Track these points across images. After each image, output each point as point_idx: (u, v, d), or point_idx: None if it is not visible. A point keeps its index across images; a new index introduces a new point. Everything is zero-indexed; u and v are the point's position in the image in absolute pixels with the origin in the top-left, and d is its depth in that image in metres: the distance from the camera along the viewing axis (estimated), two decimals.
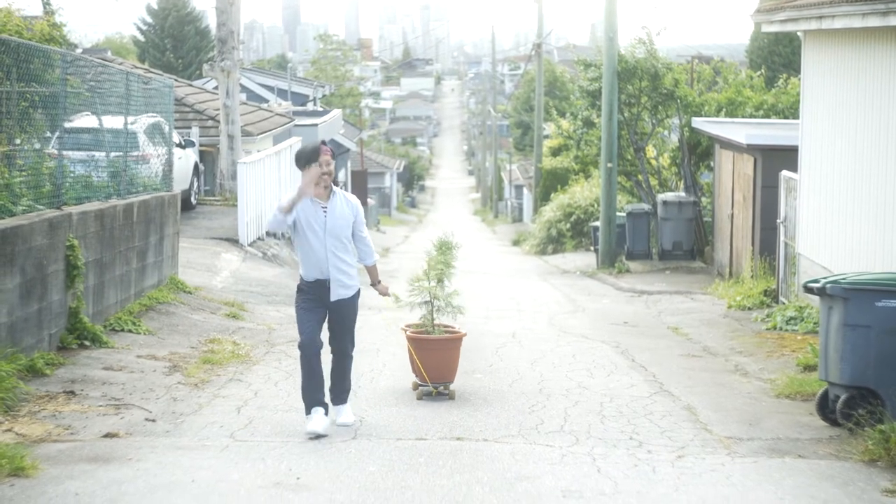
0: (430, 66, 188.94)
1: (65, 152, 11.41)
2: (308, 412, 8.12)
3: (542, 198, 39.03)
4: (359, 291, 8.39)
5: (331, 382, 8.41)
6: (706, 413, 9.20)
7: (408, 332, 9.66)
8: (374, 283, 8.74)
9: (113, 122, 13.29)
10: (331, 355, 8.37)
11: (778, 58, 50.43)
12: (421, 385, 9.54)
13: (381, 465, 7.29)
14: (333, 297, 8.17)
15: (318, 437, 7.93)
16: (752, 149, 17.90)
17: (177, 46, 63.33)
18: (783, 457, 7.84)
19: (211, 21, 65.41)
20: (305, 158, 8.06)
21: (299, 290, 8.29)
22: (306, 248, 8.17)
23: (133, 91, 13.74)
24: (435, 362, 9.47)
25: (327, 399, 8.28)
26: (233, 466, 7.15)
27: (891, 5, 10.61)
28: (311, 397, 8.11)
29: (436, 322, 9.65)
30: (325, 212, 8.14)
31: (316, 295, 8.17)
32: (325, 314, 8.24)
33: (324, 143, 8.19)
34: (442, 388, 9.55)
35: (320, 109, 40.68)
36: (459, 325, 9.88)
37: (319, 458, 7.43)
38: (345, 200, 8.27)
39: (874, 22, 11.13)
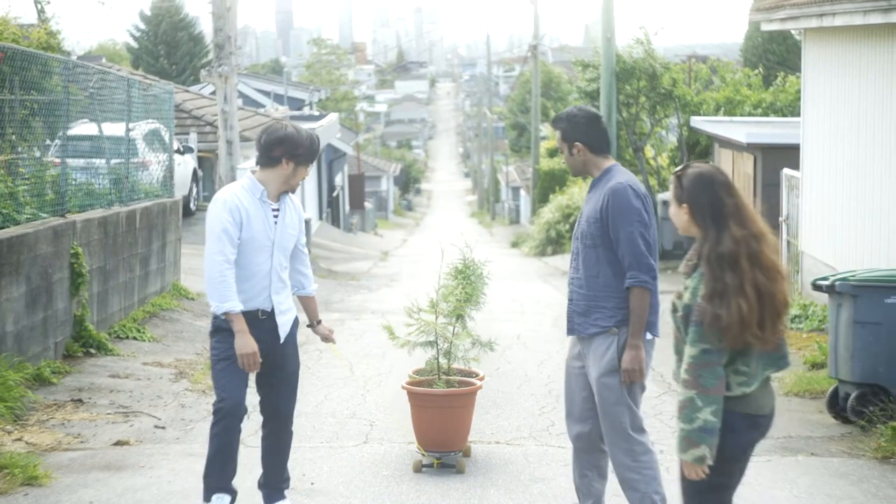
0: (424, 68, 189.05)
1: (67, 160, 11.39)
2: (208, 499, 5.97)
3: (541, 199, 39.05)
4: (297, 320, 6.20)
5: (264, 467, 6.23)
6: None
7: (404, 383, 7.48)
8: (315, 322, 6.40)
9: (112, 128, 13.27)
10: (262, 428, 6.21)
11: (772, 56, 50.52)
12: (418, 454, 7.33)
13: (394, 469, 7.26)
14: (283, 334, 6.00)
15: None
16: (752, 147, 17.91)
17: (170, 52, 63.22)
18: (796, 455, 7.83)
19: (204, 27, 65.37)
20: (307, 153, 5.89)
21: (217, 331, 5.92)
22: (245, 267, 5.90)
23: (134, 98, 13.72)
24: (436, 424, 7.22)
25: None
26: (246, 473, 7.09)
27: (893, 2, 10.61)
28: (219, 478, 5.98)
29: (453, 366, 7.52)
30: (276, 217, 5.96)
31: None
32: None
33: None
34: (453, 455, 7.26)
35: (316, 114, 40.64)
36: (488, 368, 8.18)
37: (332, 463, 7.41)
38: (291, 204, 6.06)
39: (876, 19, 11.13)
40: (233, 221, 5.83)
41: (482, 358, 7.77)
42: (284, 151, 5.82)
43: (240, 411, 5.91)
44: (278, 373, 6.04)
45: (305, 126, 27.56)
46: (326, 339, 6.39)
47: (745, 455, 4.47)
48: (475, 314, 7.68)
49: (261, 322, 5.89)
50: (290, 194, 6.07)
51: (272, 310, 5.93)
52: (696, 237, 4.50)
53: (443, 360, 7.43)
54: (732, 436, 4.35)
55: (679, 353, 4.51)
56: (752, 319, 4.26)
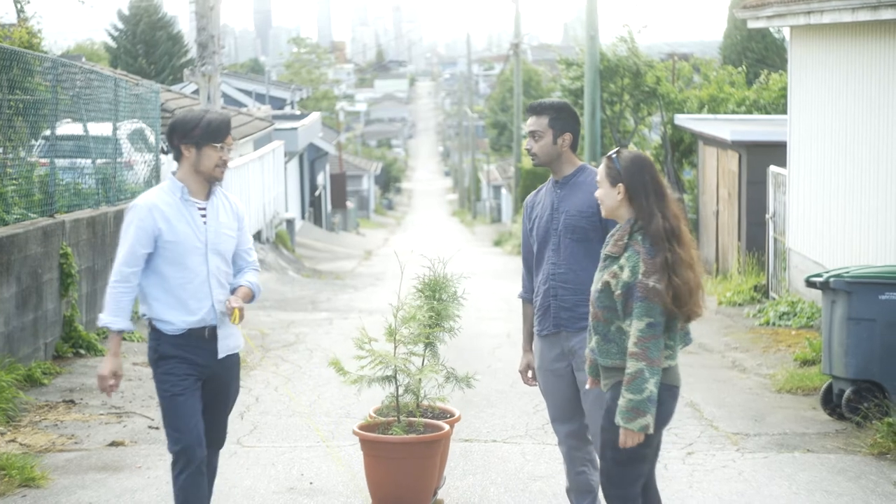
0: (403, 67, 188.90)
1: (55, 160, 11.31)
2: None
3: (523, 198, 39.05)
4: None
5: None
6: (710, 409, 9.20)
7: (356, 427, 6.24)
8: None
9: (98, 128, 13.19)
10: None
11: (751, 53, 50.66)
12: None
13: None
14: (222, 353, 5.35)
15: None
16: (736, 145, 17.93)
17: (149, 52, 62.84)
18: (792, 451, 7.85)
19: (183, 26, 65.04)
20: (205, 132, 5.31)
21: (162, 358, 5.36)
22: (176, 276, 5.29)
23: (121, 97, 13.64)
24: (392, 478, 5.98)
25: None
26: (244, 472, 7.09)
27: None
28: None
29: (422, 403, 6.33)
30: (204, 217, 5.38)
31: (190, 359, 5.31)
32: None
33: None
34: None
35: (298, 113, 40.54)
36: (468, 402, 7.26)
37: (330, 462, 7.38)
38: (226, 202, 5.50)
39: (864, 16, 11.16)
40: (144, 228, 5.23)
41: (473, 358, 7.53)
42: (180, 138, 5.31)
43: (203, 453, 5.33)
44: (217, 387, 5.41)
45: (287, 125, 27.37)
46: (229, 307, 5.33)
47: (666, 425, 4.79)
48: (462, 312, 6.61)
49: (206, 342, 5.30)
50: (226, 194, 5.53)
51: (213, 324, 5.32)
52: (623, 219, 4.73)
53: (410, 398, 6.28)
54: (659, 407, 4.63)
55: (599, 332, 4.72)
56: (695, 290, 4.57)
